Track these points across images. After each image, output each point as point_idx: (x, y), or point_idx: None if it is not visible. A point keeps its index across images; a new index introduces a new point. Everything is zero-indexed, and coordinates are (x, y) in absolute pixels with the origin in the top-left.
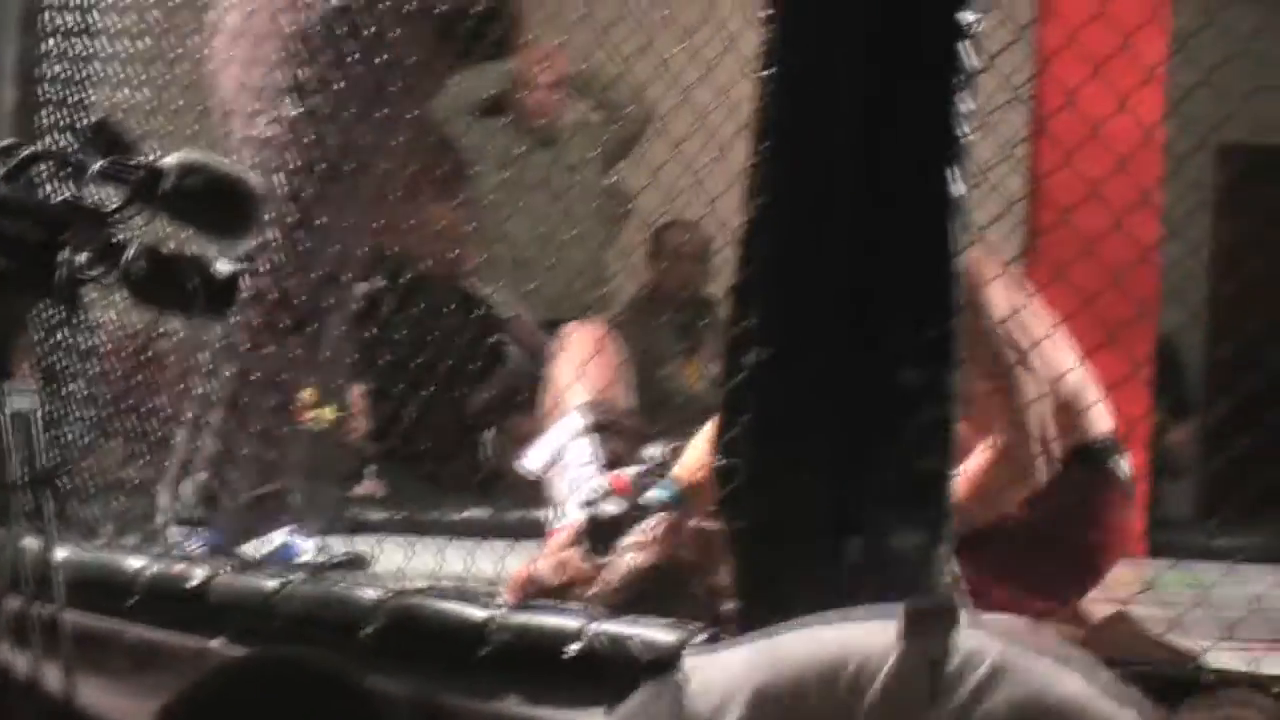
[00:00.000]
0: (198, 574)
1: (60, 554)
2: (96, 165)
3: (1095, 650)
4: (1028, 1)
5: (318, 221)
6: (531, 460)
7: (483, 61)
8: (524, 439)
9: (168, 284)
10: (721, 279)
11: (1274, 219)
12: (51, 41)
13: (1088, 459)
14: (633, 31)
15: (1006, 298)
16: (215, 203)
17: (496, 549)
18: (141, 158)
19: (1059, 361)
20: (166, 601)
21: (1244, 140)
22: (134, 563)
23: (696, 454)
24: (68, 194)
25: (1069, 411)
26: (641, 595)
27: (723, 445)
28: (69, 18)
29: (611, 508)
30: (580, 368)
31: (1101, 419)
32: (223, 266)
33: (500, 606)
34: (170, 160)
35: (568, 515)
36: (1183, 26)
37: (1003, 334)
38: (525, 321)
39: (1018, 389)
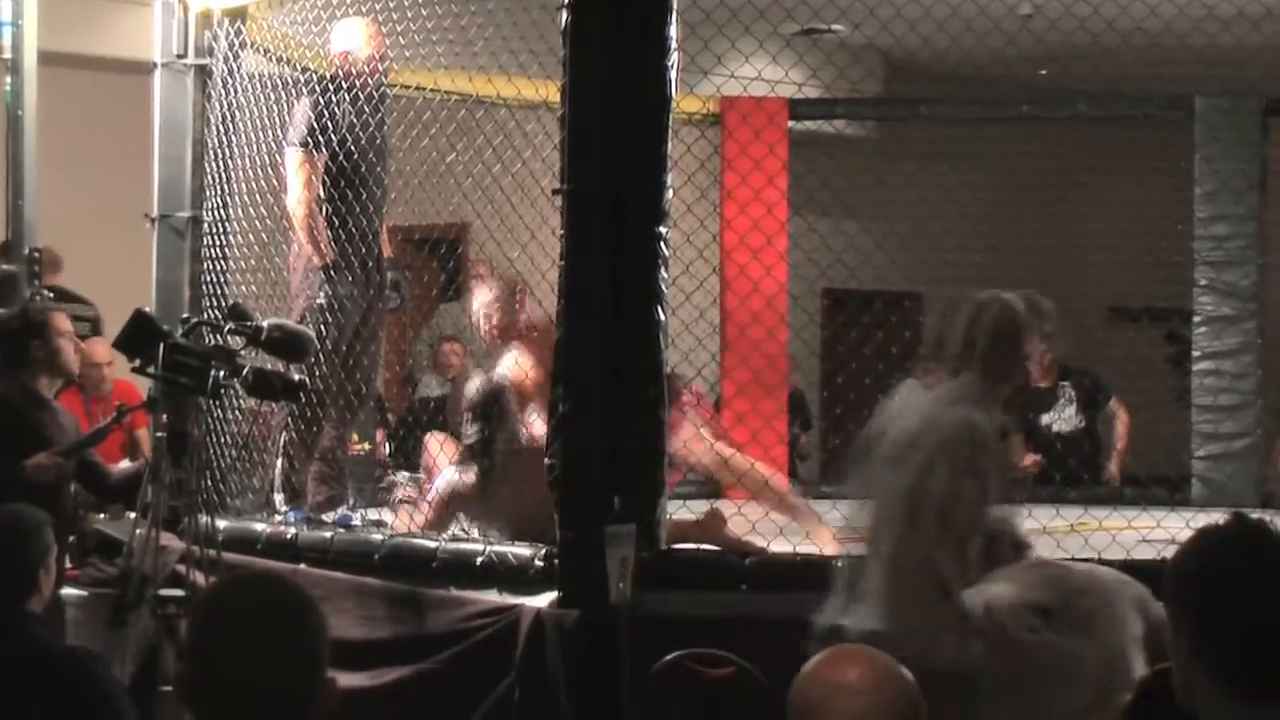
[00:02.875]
0: (290, 531)
1: (220, 523)
2: (228, 326)
3: (695, 537)
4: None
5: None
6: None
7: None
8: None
9: (265, 385)
10: None
11: (847, 329)
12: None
13: None
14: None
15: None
16: (287, 344)
17: None
18: (250, 321)
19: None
20: (276, 546)
21: (835, 286)
22: (258, 526)
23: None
24: (215, 341)
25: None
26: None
27: (549, 453)
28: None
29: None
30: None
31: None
32: (292, 376)
33: (441, 540)
34: (265, 322)
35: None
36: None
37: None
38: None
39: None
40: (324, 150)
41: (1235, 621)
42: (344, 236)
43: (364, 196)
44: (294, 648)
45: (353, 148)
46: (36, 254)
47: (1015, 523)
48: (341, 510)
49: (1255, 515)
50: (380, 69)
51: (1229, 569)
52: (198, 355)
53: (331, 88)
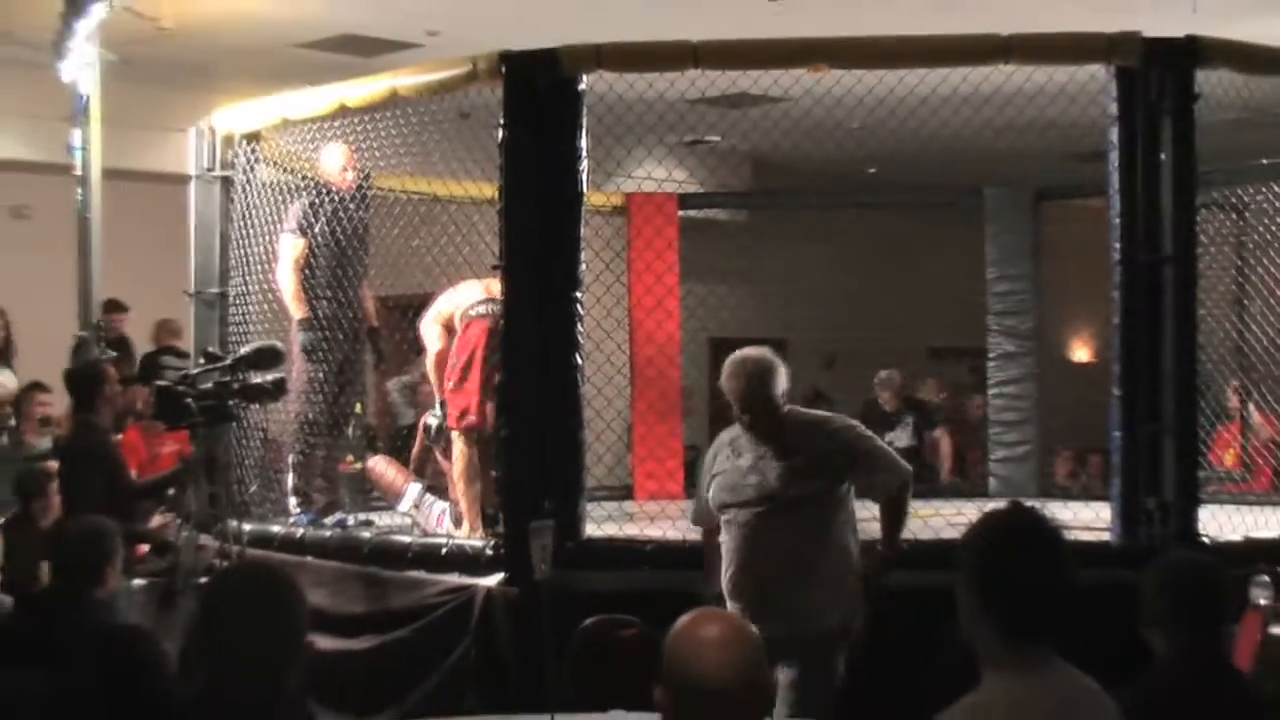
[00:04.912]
0: (299, 532)
1: (245, 526)
2: (207, 366)
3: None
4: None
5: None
6: (404, 506)
7: None
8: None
9: (258, 392)
10: None
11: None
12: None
13: None
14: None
15: None
16: (260, 356)
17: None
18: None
19: None
20: (288, 543)
21: (717, 335)
22: (274, 528)
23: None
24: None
25: None
26: None
27: (499, 464)
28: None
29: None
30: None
31: None
32: (278, 378)
33: (415, 537)
34: (249, 348)
35: (431, 519)
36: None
37: None
38: None
39: None
40: (308, 236)
41: (1008, 582)
42: (324, 299)
43: (347, 272)
44: (276, 619)
45: (336, 236)
46: (100, 324)
47: None
48: (338, 514)
49: (1030, 503)
50: (359, 180)
51: (1004, 541)
52: (201, 395)
53: (320, 193)
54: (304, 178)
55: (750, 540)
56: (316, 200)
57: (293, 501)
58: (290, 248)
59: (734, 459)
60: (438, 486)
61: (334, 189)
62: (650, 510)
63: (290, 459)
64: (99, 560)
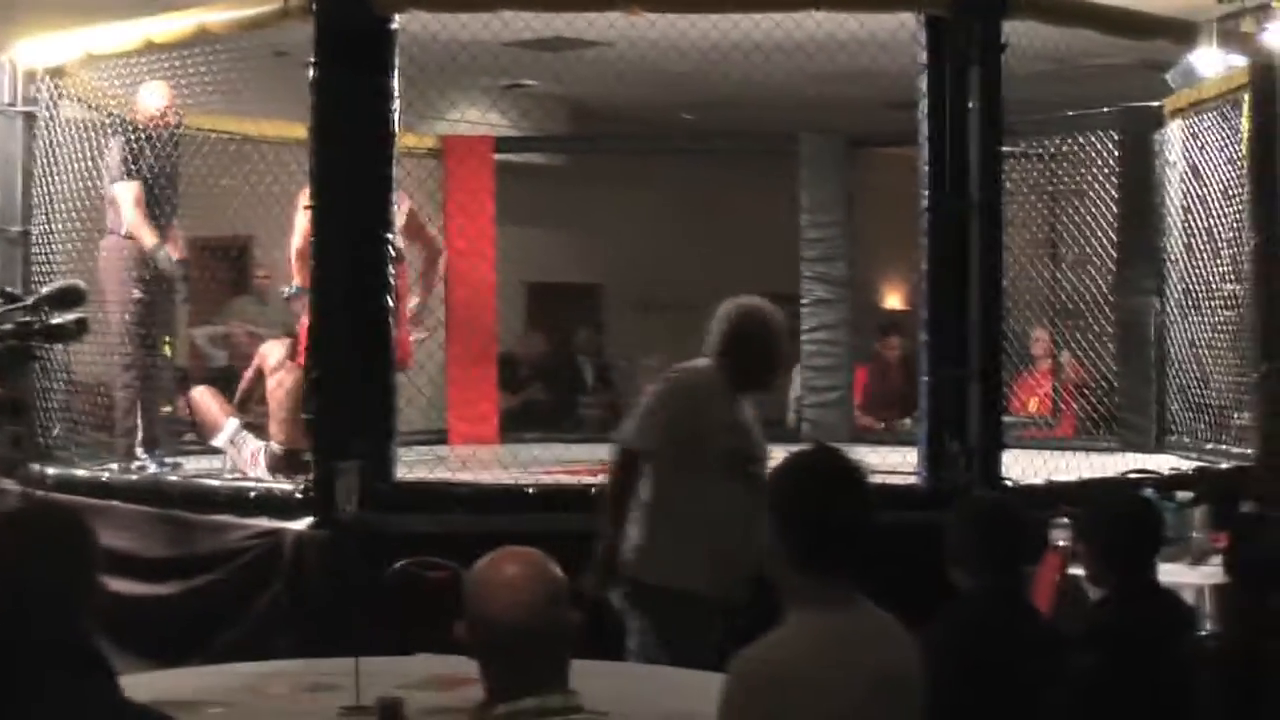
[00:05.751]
0: (103, 475)
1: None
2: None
3: None
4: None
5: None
6: (220, 440)
7: None
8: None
9: (60, 332)
10: None
11: (542, 312)
12: None
13: None
14: None
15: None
16: (63, 296)
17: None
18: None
19: None
20: (94, 487)
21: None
22: (78, 472)
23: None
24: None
25: None
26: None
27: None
28: None
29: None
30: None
31: None
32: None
33: (225, 482)
34: (42, 290)
35: (244, 457)
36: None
37: None
38: None
39: None
40: (136, 176)
41: (808, 520)
42: None
43: (164, 209)
44: (63, 559)
45: (150, 176)
46: None
47: None
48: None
49: (836, 446)
50: (175, 119)
51: (806, 481)
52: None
53: (138, 132)
54: (111, 115)
55: (754, 508)
56: (132, 139)
57: (140, 451)
58: (128, 191)
59: (733, 412)
60: (255, 425)
61: (150, 128)
62: (463, 454)
63: (131, 402)
64: None
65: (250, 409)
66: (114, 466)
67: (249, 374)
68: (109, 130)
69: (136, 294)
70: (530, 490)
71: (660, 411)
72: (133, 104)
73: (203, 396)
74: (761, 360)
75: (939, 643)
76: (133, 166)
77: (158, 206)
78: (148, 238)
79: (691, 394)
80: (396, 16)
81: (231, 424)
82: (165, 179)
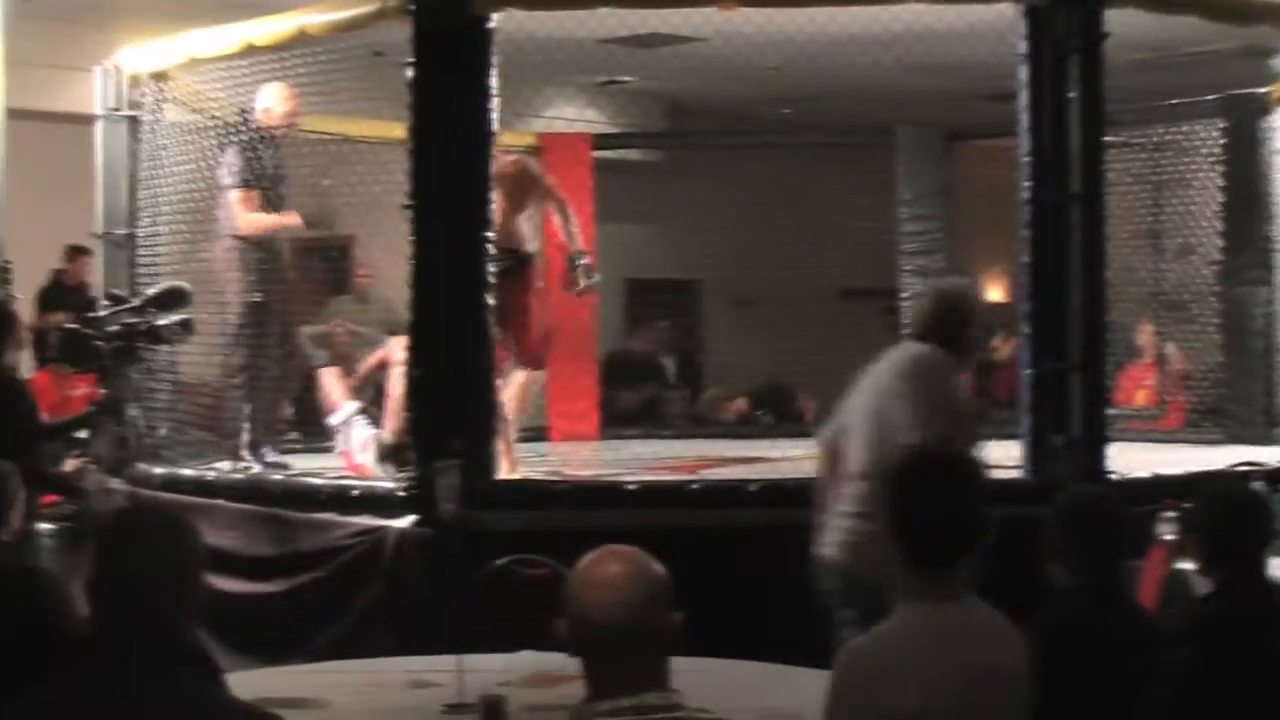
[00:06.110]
0: (209, 475)
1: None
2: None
3: None
4: None
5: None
6: (336, 419)
7: None
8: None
9: (162, 335)
10: None
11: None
12: None
13: None
14: None
15: None
16: (169, 297)
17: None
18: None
19: None
20: (200, 486)
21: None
22: (185, 471)
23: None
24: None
25: None
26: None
27: (409, 405)
28: None
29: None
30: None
31: None
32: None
33: (326, 480)
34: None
35: (354, 441)
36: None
37: None
38: None
39: None
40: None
41: (918, 515)
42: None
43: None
44: (167, 558)
45: (267, 178)
46: (7, 264)
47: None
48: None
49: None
50: (295, 122)
51: (917, 476)
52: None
53: (255, 137)
54: (214, 118)
55: None
56: (246, 144)
57: (245, 452)
58: (245, 201)
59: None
60: (373, 412)
61: (264, 130)
62: (564, 451)
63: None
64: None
65: (365, 394)
66: (221, 466)
67: (372, 360)
68: (224, 134)
69: (250, 296)
70: (630, 487)
71: (917, 396)
72: (256, 108)
73: (329, 377)
74: (976, 341)
75: (1034, 640)
76: (247, 172)
77: (270, 208)
78: (281, 220)
79: (947, 378)
80: (494, 15)
81: (350, 406)
82: (276, 179)
